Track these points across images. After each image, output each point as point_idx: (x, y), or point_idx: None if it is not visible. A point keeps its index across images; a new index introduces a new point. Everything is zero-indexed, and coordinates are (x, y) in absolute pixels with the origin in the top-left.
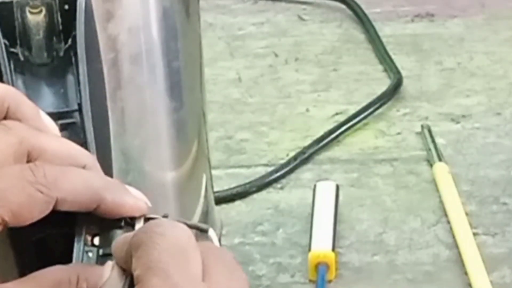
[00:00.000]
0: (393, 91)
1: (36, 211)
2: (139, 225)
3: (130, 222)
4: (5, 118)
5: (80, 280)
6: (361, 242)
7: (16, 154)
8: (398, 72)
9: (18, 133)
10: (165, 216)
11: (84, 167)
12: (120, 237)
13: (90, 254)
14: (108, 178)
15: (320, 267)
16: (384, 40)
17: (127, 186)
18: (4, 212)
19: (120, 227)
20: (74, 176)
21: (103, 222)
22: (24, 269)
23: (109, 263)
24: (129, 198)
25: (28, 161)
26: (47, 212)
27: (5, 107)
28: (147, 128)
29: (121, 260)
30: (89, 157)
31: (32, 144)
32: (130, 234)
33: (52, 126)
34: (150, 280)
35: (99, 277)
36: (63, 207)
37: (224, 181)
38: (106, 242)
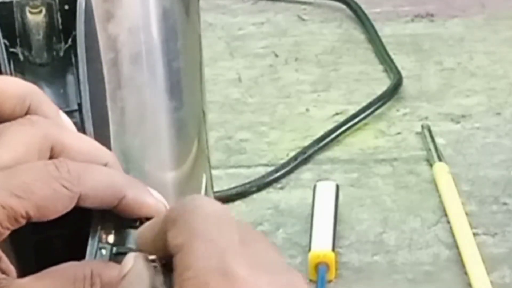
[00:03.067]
0: (393, 91)
1: (60, 206)
2: None
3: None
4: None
5: (93, 276)
6: (361, 242)
7: (41, 148)
8: (398, 72)
9: (43, 128)
10: None
11: (105, 165)
12: (147, 223)
13: (104, 251)
14: (130, 177)
15: (320, 267)
16: (384, 40)
17: (150, 189)
18: (28, 206)
19: (136, 227)
20: (97, 173)
21: (119, 221)
22: (23, 270)
23: (131, 254)
24: (150, 198)
25: (50, 157)
26: (70, 207)
27: (26, 105)
28: (147, 128)
29: (149, 242)
30: (110, 155)
31: (55, 140)
32: (158, 217)
33: (71, 126)
34: (193, 243)
35: (113, 273)
36: (86, 203)
37: (224, 181)
38: (121, 240)
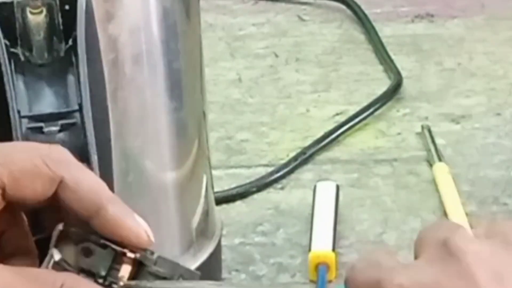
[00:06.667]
0: (393, 91)
1: (39, 184)
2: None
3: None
4: None
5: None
6: (361, 242)
7: None
8: (398, 73)
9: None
10: (152, 253)
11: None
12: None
13: None
14: (118, 198)
15: (320, 267)
16: (384, 40)
17: (136, 215)
18: (4, 172)
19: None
20: (85, 174)
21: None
22: None
23: None
24: (132, 221)
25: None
26: (49, 192)
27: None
28: (148, 128)
29: None
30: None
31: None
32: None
33: None
34: None
35: None
36: (65, 194)
37: (224, 181)
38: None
